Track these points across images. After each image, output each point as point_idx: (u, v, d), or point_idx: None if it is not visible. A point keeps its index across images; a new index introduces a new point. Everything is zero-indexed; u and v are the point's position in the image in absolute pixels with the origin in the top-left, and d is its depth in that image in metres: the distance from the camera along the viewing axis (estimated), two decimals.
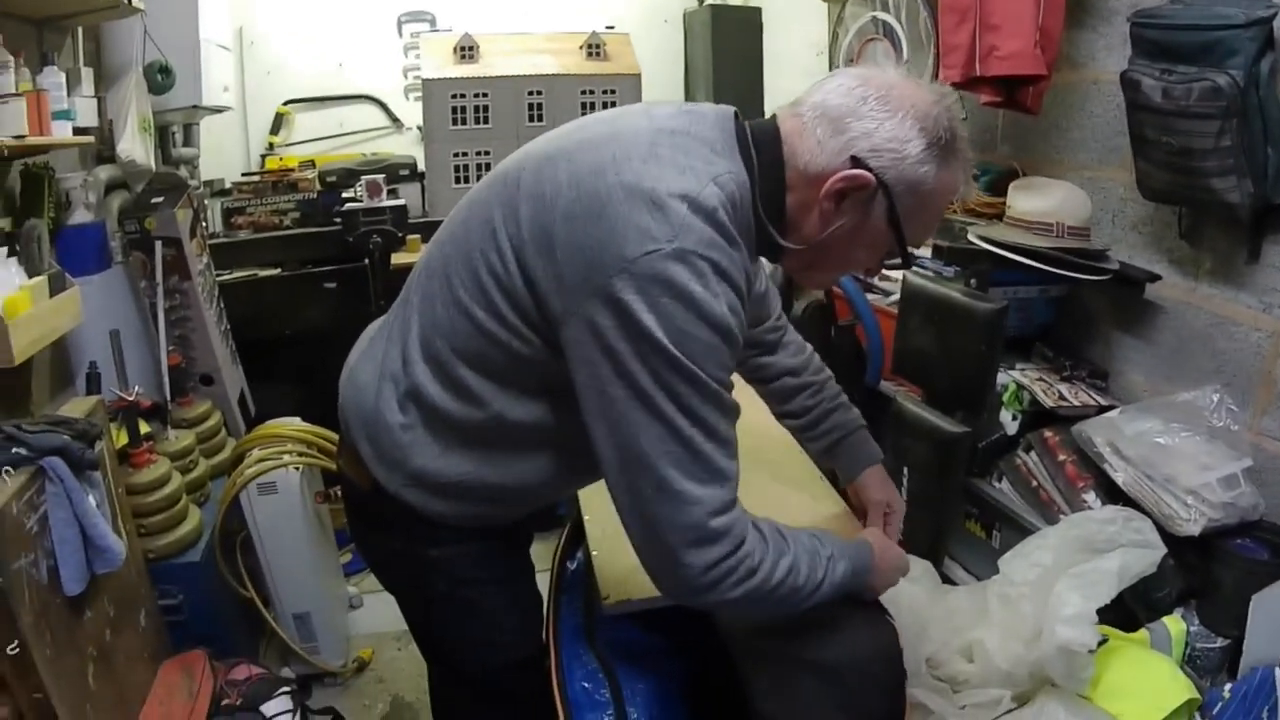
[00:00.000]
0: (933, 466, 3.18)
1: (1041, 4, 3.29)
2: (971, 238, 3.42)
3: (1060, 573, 2.51)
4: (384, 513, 2.09)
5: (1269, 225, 2.83)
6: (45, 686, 2.45)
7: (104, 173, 4.07)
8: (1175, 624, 2.68)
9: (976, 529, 3.38)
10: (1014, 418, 3.34)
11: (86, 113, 3.54)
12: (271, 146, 6.15)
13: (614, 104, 5.74)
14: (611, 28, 6.01)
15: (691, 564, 1.73)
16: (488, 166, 5.64)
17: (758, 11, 6.39)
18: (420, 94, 5.50)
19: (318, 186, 5.43)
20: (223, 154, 5.89)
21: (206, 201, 5.24)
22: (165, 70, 4.37)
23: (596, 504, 2.43)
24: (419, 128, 6.06)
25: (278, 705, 3.27)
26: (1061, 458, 3.12)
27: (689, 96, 6.79)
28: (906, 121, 1.75)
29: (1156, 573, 2.54)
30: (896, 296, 3.75)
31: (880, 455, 2.58)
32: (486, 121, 5.38)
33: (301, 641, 3.95)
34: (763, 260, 1.96)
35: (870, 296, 3.84)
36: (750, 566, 1.77)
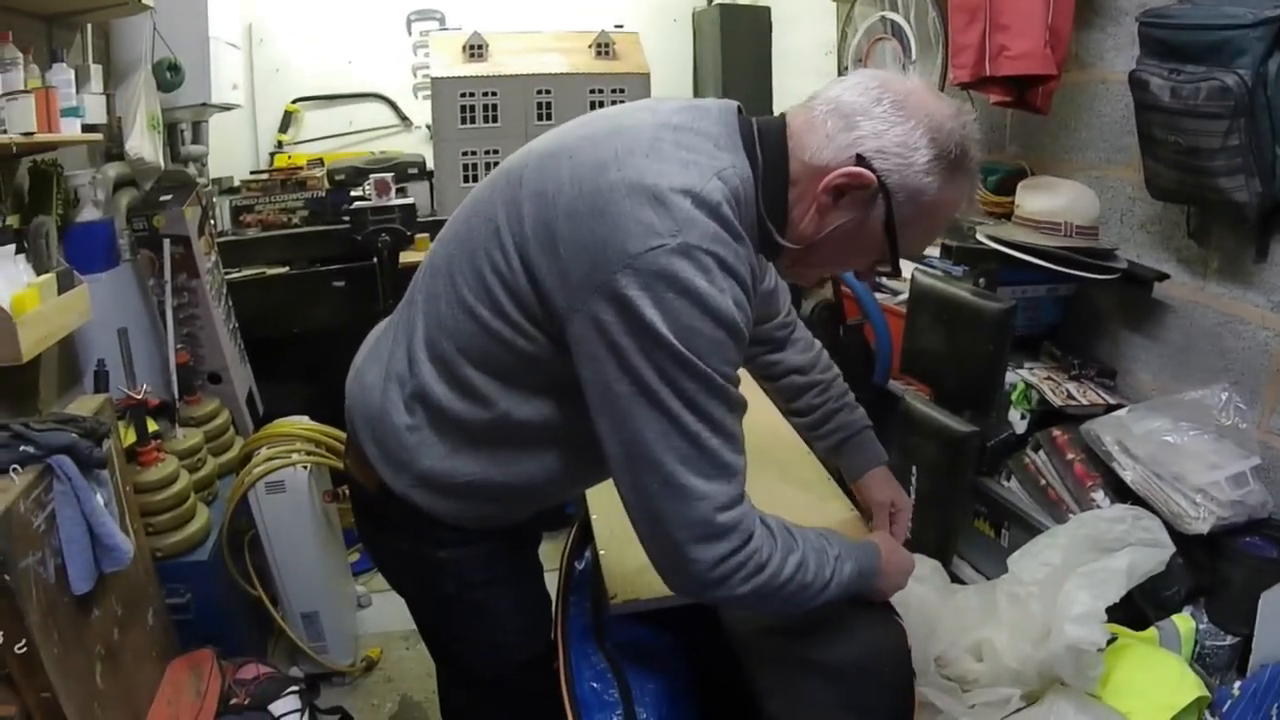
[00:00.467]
0: (941, 466, 3.18)
1: (1051, 4, 3.30)
2: (980, 237, 3.42)
3: (1069, 572, 2.50)
4: (391, 514, 2.10)
5: (1277, 224, 2.83)
6: (53, 685, 2.45)
7: (112, 170, 4.07)
8: (1184, 622, 2.69)
9: (985, 528, 3.38)
10: (1022, 417, 3.34)
11: (95, 110, 3.54)
12: (280, 144, 6.14)
13: (623, 103, 5.71)
14: (620, 26, 5.99)
15: (699, 559, 1.72)
16: (496, 165, 5.59)
17: (766, 11, 6.38)
18: (429, 92, 5.49)
19: (326, 185, 5.42)
20: (231, 152, 5.88)
21: (215, 199, 5.22)
22: (174, 68, 4.37)
23: (604, 503, 2.42)
24: (428, 126, 6.05)
25: (286, 705, 3.27)
26: (1070, 456, 3.12)
27: (698, 95, 6.75)
28: (918, 130, 1.73)
29: (1165, 571, 2.54)
30: (905, 296, 3.75)
31: (884, 456, 2.58)
32: (495, 120, 5.37)
33: (310, 641, 3.95)
34: None
35: (879, 296, 3.84)
36: (759, 562, 1.76)
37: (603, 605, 2.23)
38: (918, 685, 2.13)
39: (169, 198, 4.18)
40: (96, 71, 3.65)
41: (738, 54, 6.25)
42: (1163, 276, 3.23)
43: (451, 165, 5.35)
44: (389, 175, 5.23)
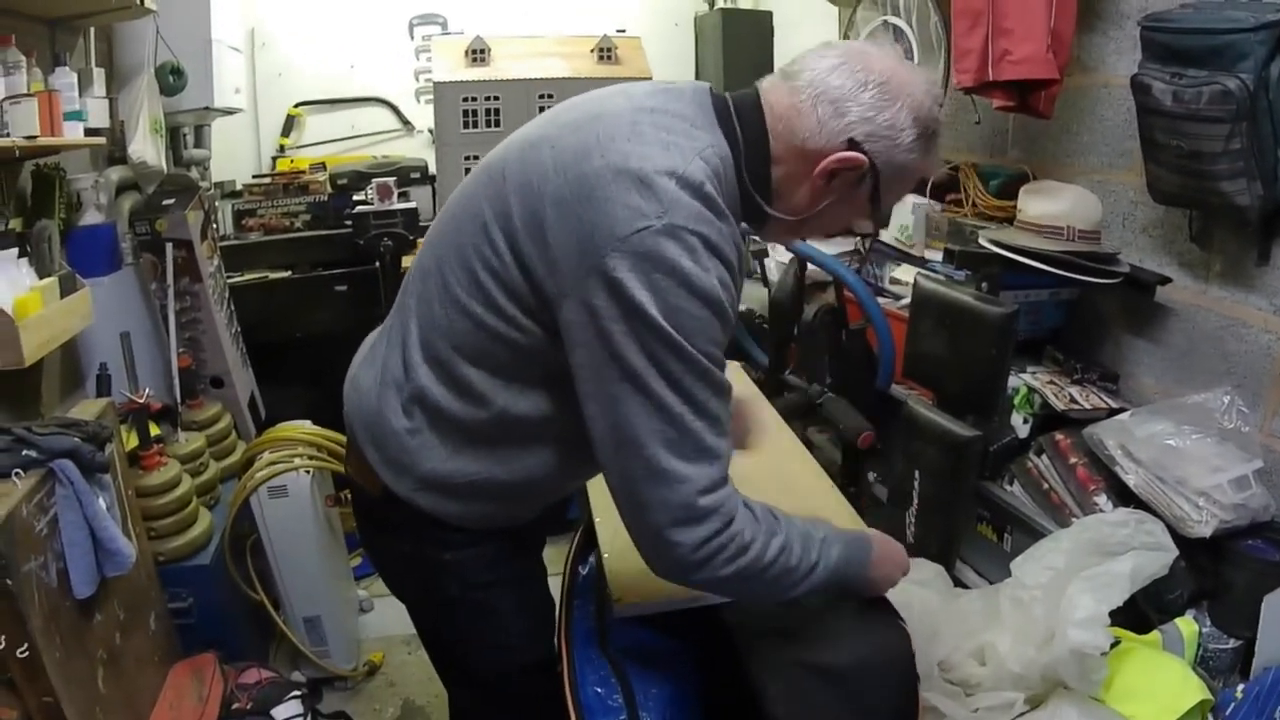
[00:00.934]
0: (944, 470, 3.18)
1: (1053, 8, 3.29)
2: (983, 241, 3.41)
3: (1072, 575, 2.50)
4: (393, 517, 2.11)
5: (1279, 228, 2.82)
6: (55, 689, 2.46)
7: (115, 174, 4.07)
8: (1187, 625, 2.69)
9: (988, 532, 3.38)
10: (1025, 421, 3.34)
11: (98, 114, 3.54)
12: (282, 148, 6.15)
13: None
14: (623, 31, 5.99)
15: (681, 542, 1.76)
16: None
17: (768, 15, 6.39)
18: (431, 97, 5.48)
19: (328, 189, 5.42)
20: (234, 156, 5.89)
21: (217, 203, 5.24)
22: (177, 71, 4.37)
23: (607, 506, 2.41)
24: (430, 130, 6.07)
25: (288, 709, 3.28)
26: (1073, 460, 3.12)
27: None
28: (903, 112, 1.82)
29: (1168, 574, 2.54)
30: (908, 300, 3.74)
31: None
32: (498, 124, 5.35)
33: (312, 645, 3.95)
34: None
35: (881, 300, 3.83)
36: (741, 544, 1.80)
37: (606, 609, 2.24)
38: (921, 690, 2.13)
39: (171, 202, 4.18)
40: (99, 75, 3.65)
41: (739, 58, 6.25)
42: (1165, 280, 3.23)
43: (453, 169, 5.35)
44: (391, 179, 5.23)
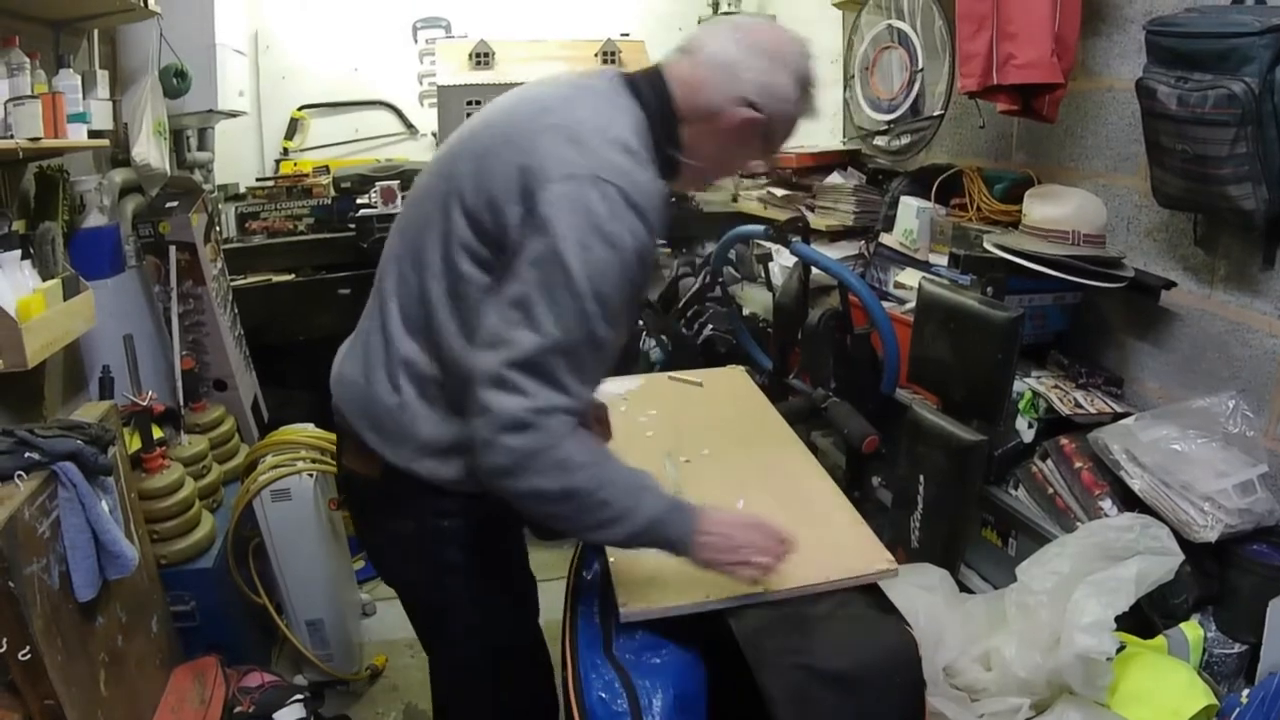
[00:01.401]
0: (949, 474, 3.17)
1: (1058, 12, 3.29)
2: (988, 245, 3.41)
3: (1078, 580, 2.50)
4: (395, 493, 2.27)
5: None
6: (56, 692, 2.45)
7: (118, 176, 4.07)
8: (1193, 630, 2.68)
9: (992, 537, 3.37)
10: (1030, 425, 3.34)
11: (101, 116, 3.54)
12: (286, 151, 6.14)
13: None
14: (626, 34, 6.00)
15: (508, 447, 1.94)
16: None
17: (771, 20, 6.37)
18: (435, 100, 5.48)
19: (332, 192, 5.43)
20: (237, 158, 5.89)
21: (220, 206, 5.24)
22: (181, 74, 4.37)
23: None
24: (434, 134, 6.06)
25: (290, 713, 3.27)
26: (1078, 465, 3.11)
27: None
28: (786, 73, 2.18)
29: (1173, 579, 2.53)
30: (912, 304, 3.74)
31: None
32: None
33: (314, 649, 3.94)
34: None
35: (886, 304, 3.83)
36: (558, 461, 1.96)
37: (611, 615, 2.23)
38: (926, 695, 2.12)
39: (175, 204, 4.18)
40: (103, 77, 3.65)
41: None
42: (1169, 284, 3.23)
43: None
44: (394, 182, 5.24)
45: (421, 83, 6.02)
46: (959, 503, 3.18)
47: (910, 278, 4.09)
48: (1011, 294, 3.42)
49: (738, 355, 4.54)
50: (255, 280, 5.15)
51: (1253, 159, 2.66)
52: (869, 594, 2.24)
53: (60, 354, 3.28)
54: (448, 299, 2.13)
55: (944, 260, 3.91)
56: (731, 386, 3.59)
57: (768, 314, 4.73)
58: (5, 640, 2.35)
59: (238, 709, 3.22)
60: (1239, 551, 2.69)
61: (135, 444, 3.48)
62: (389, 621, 4.51)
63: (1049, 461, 3.22)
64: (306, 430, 3.96)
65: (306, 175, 5.58)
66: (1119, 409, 3.27)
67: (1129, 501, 2.92)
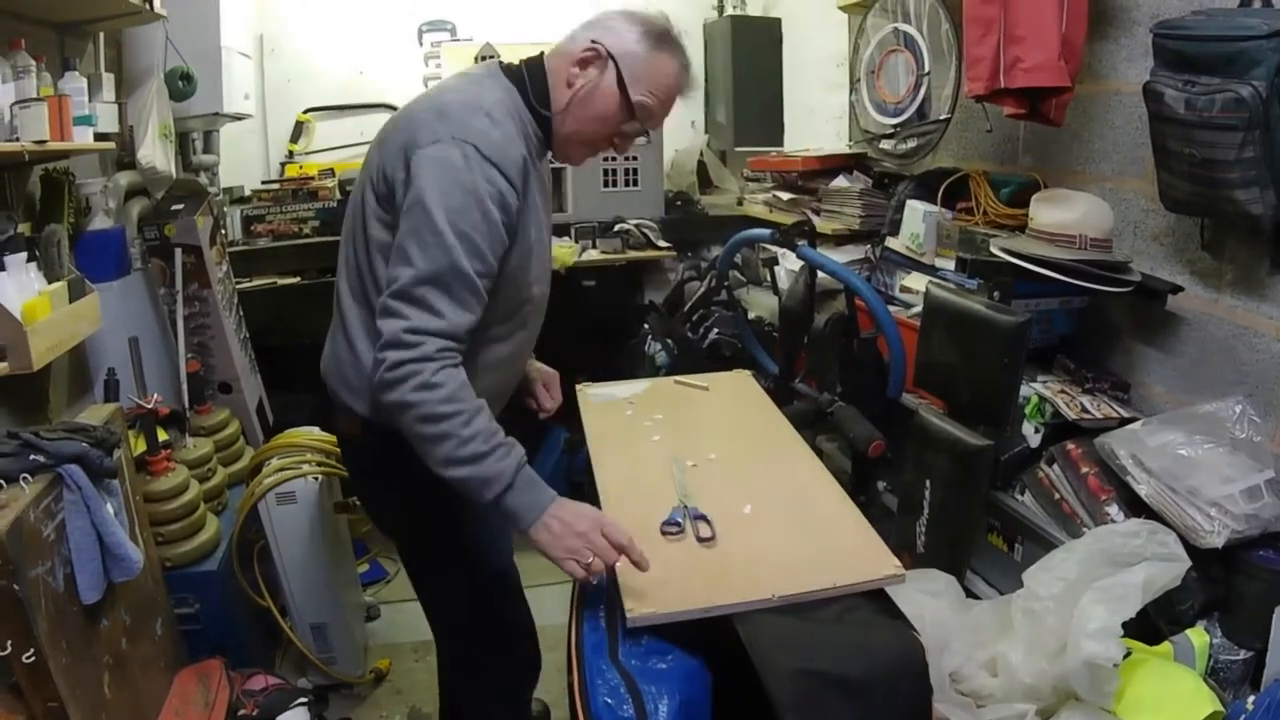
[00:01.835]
0: (955, 479, 3.17)
1: (1064, 15, 3.28)
2: (994, 250, 3.41)
3: (1085, 586, 2.50)
4: (377, 449, 2.67)
5: None
6: (60, 695, 2.45)
7: (124, 179, 4.07)
8: (1198, 636, 2.67)
9: (998, 542, 3.36)
10: (1036, 430, 3.33)
11: (107, 118, 3.54)
12: (291, 154, 6.14)
13: None
14: None
15: (383, 359, 2.29)
16: (544, 185, 5.65)
17: (777, 23, 6.37)
18: None
19: (337, 195, 5.41)
20: (242, 161, 5.89)
21: (226, 209, 5.24)
22: (187, 77, 4.37)
23: (620, 515, 2.43)
24: None
25: (295, 716, 3.28)
26: (1084, 470, 3.10)
27: (709, 106, 6.78)
28: (631, 21, 2.56)
29: (1179, 585, 2.53)
30: (918, 308, 3.73)
31: None
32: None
33: (318, 652, 3.95)
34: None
35: (892, 308, 3.82)
36: (426, 382, 2.27)
37: (617, 620, 2.23)
38: (933, 701, 2.12)
39: (181, 207, 4.19)
40: (108, 80, 3.65)
41: (748, 65, 6.24)
42: (1176, 289, 3.22)
43: None
44: None
45: (427, 86, 6.01)
46: (965, 508, 3.17)
47: (916, 282, 4.09)
48: (1018, 298, 3.41)
49: (743, 359, 4.54)
50: (260, 283, 5.15)
51: (1260, 163, 2.65)
52: (876, 599, 2.23)
53: (65, 356, 3.29)
54: (370, 263, 2.51)
55: (950, 264, 3.90)
56: (738, 391, 3.59)
57: (773, 318, 4.73)
58: (10, 642, 2.35)
59: (242, 712, 3.22)
60: (1245, 557, 2.68)
61: (140, 446, 3.48)
62: (393, 625, 4.52)
63: (1055, 466, 3.21)
64: (312, 433, 3.97)
65: (312, 178, 5.57)
66: (1125, 414, 3.26)
67: (1135, 507, 2.91)
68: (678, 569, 2.30)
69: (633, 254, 5.72)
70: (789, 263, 4.55)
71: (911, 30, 4.46)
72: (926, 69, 4.37)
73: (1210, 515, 2.68)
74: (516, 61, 2.67)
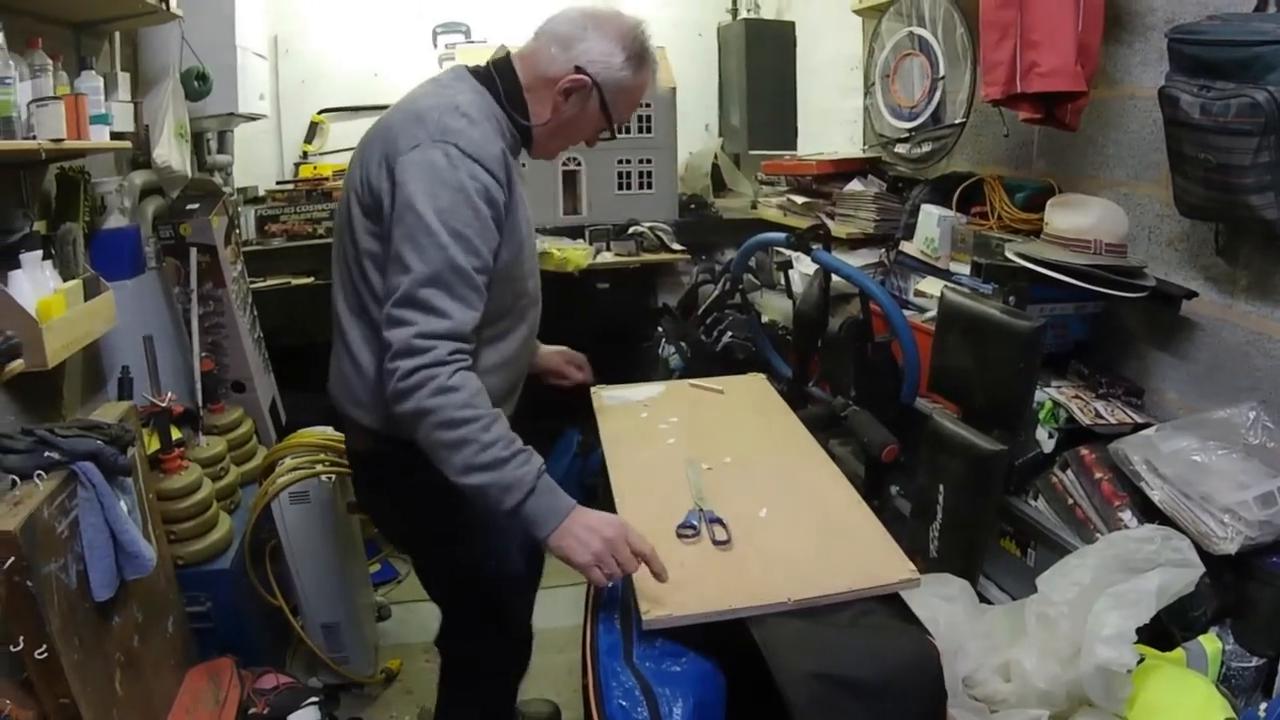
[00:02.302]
0: (969, 484, 3.16)
1: (1080, 19, 3.28)
2: (1010, 254, 3.40)
3: (1099, 592, 2.49)
4: (385, 457, 2.72)
5: None
6: (72, 691, 2.46)
7: (139, 178, 4.08)
8: (1211, 643, 2.66)
9: (1011, 547, 3.35)
10: (1050, 435, 3.32)
11: (123, 118, 3.55)
12: (305, 155, 6.16)
13: (649, 117, 5.82)
14: None
15: (396, 368, 2.28)
16: (522, 177, 5.64)
17: (791, 26, 6.38)
18: None
19: None
20: (256, 161, 5.92)
21: (240, 209, 5.25)
22: (202, 77, 4.38)
23: (636, 518, 2.44)
24: None
25: (305, 715, 3.28)
26: (1098, 475, 3.10)
27: (723, 109, 6.81)
28: (613, 42, 2.58)
29: (1192, 591, 2.51)
30: (933, 313, 3.73)
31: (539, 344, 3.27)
32: None
33: (329, 651, 3.95)
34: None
35: (906, 312, 3.81)
36: (443, 385, 2.28)
37: (632, 622, 2.23)
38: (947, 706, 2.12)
39: (196, 206, 4.21)
40: (124, 79, 3.66)
41: (762, 68, 6.26)
42: (1191, 294, 3.21)
43: None
44: None
45: None
46: (979, 512, 3.16)
47: (931, 286, 4.08)
48: (1033, 303, 3.41)
49: (757, 363, 4.53)
50: (274, 283, 5.17)
51: (1275, 168, 2.64)
52: (891, 603, 2.24)
53: (79, 354, 3.29)
54: (364, 276, 2.53)
55: (964, 269, 3.90)
56: (753, 394, 3.60)
57: (787, 321, 4.72)
58: (22, 639, 2.36)
59: (252, 710, 3.23)
60: (1258, 564, 2.67)
61: (154, 444, 3.49)
62: (404, 625, 4.53)
63: (1069, 472, 3.20)
64: (325, 433, 3.97)
65: (326, 179, 5.59)
66: (1139, 419, 3.25)
67: (1149, 513, 2.90)
68: (693, 572, 2.31)
69: (647, 257, 5.73)
70: (803, 266, 4.54)
71: (926, 34, 4.45)
72: (941, 73, 4.36)
73: (1224, 521, 2.67)
74: (483, 64, 2.74)
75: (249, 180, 5.68)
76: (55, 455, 2.56)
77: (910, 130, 4.65)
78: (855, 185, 5.01)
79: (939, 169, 4.63)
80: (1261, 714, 2.39)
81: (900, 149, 4.78)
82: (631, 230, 5.74)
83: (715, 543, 2.44)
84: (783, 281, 4.80)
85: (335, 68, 6.22)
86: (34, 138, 2.81)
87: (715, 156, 6.68)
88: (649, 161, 5.90)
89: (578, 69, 2.57)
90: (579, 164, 5.78)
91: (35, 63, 2.91)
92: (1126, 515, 2.96)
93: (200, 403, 4.10)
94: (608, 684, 2.11)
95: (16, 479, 2.49)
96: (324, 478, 3.77)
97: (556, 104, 2.63)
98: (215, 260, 4.23)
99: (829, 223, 4.90)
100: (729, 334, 5.01)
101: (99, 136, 3.20)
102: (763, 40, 6.31)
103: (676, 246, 5.76)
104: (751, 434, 3.20)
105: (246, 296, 4.61)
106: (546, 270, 4.81)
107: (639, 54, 2.63)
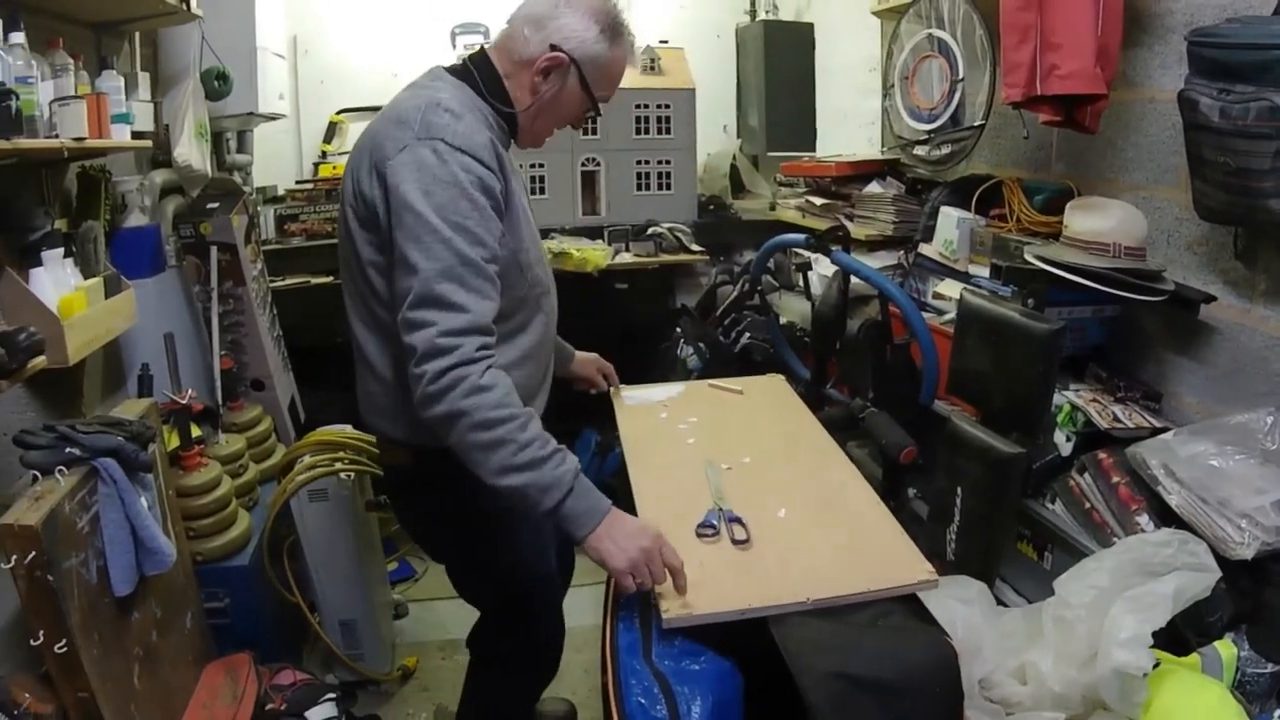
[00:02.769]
0: (987, 487, 3.15)
1: (1100, 22, 3.27)
2: (1029, 257, 3.40)
3: (1115, 595, 2.48)
4: (424, 470, 2.67)
5: None
6: (91, 686, 2.48)
7: (159, 177, 4.10)
8: (1226, 648, 2.65)
9: (1028, 550, 3.35)
10: (1068, 439, 3.31)
11: (143, 117, 3.57)
12: (324, 155, 6.17)
13: (668, 118, 5.84)
14: (665, 42, 6.02)
15: (424, 372, 2.26)
16: (542, 180, 5.70)
17: (810, 27, 6.37)
18: None
19: None
20: (275, 161, 5.92)
21: (259, 208, 5.26)
22: (223, 76, 4.39)
23: (655, 517, 2.46)
24: None
25: (322, 711, 3.29)
26: (1115, 479, 3.09)
27: (740, 110, 6.80)
28: (586, 18, 2.59)
29: (1209, 596, 2.51)
30: (951, 315, 3.73)
31: (573, 350, 3.42)
32: None
33: (346, 648, 3.96)
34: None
35: (925, 314, 3.81)
36: (476, 386, 2.26)
37: (652, 621, 2.24)
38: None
39: (216, 205, 4.23)
40: (144, 79, 3.68)
41: (781, 69, 6.25)
42: (1209, 298, 3.21)
43: None
44: None
45: None
46: (996, 515, 3.15)
47: (949, 288, 4.08)
48: (1051, 306, 3.41)
49: (774, 364, 4.53)
50: (294, 282, 5.18)
51: None
52: (909, 605, 2.25)
53: (100, 351, 3.32)
54: (370, 287, 2.53)
55: (983, 271, 3.89)
56: (772, 395, 3.61)
57: (805, 323, 4.72)
58: (43, 633, 2.39)
59: (269, 706, 3.23)
60: (1275, 569, 2.66)
61: (173, 442, 3.51)
62: (421, 623, 4.54)
63: (1086, 475, 3.20)
64: (345, 431, 3.99)
65: None
66: (1157, 423, 3.24)
67: (1166, 517, 2.89)
68: (712, 571, 2.31)
69: (665, 257, 5.73)
70: (822, 268, 4.54)
71: (946, 36, 4.45)
72: (961, 75, 4.36)
73: (1240, 527, 2.66)
74: (458, 62, 2.77)
75: (268, 180, 5.69)
76: (77, 451, 2.58)
77: (929, 132, 4.65)
78: (874, 187, 5.02)
79: (958, 171, 4.63)
80: None
81: (919, 151, 4.78)
82: (650, 231, 5.74)
83: (734, 542, 2.44)
84: (801, 283, 4.81)
85: (354, 68, 6.23)
86: (56, 137, 2.82)
87: (734, 158, 6.69)
88: (668, 162, 5.91)
89: (553, 47, 2.58)
90: (598, 164, 5.80)
91: (56, 62, 2.94)
92: (1143, 519, 2.96)
93: (220, 400, 4.12)
94: (627, 682, 2.12)
95: (38, 474, 2.51)
96: (343, 475, 3.79)
97: (535, 85, 2.63)
98: (235, 259, 4.25)
99: (848, 224, 4.90)
100: (747, 335, 5.02)
101: (120, 135, 3.21)
102: (781, 41, 6.31)
103: (695, 247, 5.76)
104: (771, 434, 3.21)
105: (266, 295, 4.62)
106: (565, 270, 4.83)
107: (613, 26, 2.64)
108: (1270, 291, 3.03)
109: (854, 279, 3.90)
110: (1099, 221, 3.37)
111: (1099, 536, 3.07)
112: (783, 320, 5.05)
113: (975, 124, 4.29)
